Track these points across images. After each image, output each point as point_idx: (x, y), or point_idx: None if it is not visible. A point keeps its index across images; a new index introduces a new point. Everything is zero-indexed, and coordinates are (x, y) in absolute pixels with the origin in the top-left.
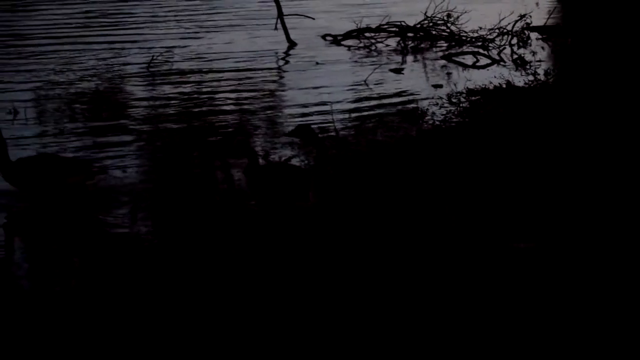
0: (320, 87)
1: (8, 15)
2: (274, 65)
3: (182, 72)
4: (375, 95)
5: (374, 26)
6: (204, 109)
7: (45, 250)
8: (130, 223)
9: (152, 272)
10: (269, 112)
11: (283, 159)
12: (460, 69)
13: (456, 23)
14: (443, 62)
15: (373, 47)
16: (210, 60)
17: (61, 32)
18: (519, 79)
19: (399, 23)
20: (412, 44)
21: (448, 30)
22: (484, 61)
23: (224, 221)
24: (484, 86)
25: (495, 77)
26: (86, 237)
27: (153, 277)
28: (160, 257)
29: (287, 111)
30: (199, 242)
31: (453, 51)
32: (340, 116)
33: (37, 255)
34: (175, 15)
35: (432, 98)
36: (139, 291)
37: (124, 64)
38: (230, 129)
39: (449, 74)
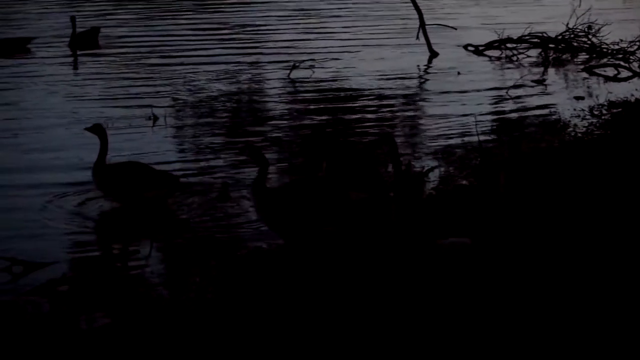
0: (462, 97)
1: (143, 26)
2: (416, 74)
3: (322, 81)
4: (517, 106)
5: (515, 37)
6: (345, 116)
7: (182, 259)
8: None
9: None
10: (411, 121)
11: (425, 169)
12: (602, 81)
13: (597, 35)
14: (584, 74)
15: (514, 58)
16: (352, 69)
17: (198, 43)
18: None
19: (540, 34)
20: (554, 56)
21: (589, 42)
22: (625, 74)
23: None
24: (625, 99)
25: (637, 89)
26: (223, 246)
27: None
28: (296, 271)
29: (429, 121)
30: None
31: (594, 63)
32: (483, 126)
33: (176, 263)
34: (317, 33)
35: (574, 110)
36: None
37: (263, 74)
38: (371, 138)
39: (590, 86)
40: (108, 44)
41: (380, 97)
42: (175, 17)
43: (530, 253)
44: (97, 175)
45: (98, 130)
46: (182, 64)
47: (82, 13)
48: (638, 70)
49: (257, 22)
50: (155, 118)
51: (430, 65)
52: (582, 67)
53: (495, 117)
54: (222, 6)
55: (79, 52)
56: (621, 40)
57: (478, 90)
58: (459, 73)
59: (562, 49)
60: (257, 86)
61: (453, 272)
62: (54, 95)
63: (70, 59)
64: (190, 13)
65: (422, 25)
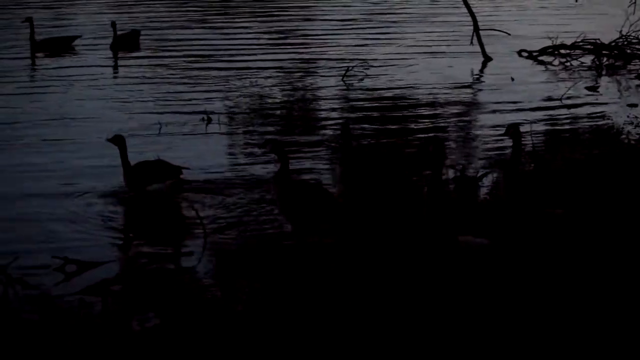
0: (516, 102)
1: (200, 34)
2: (470, 79)
3: (375, 86)
4: (570, 113)
5: (568, 43)
6: (397, 120)
7: (234, 259)
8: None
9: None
10: (464, 126)
11: (479, 174)
12: None
13: None
14: (637, 81)
15: (568, 64)
16: (405, 73)
17: (250, 49)
18: None
19: (593, 41)
20: (607, 62)
21: None
22: None
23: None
24: None
25: None
26: (274, 246)
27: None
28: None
29: (482, 126)
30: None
31: None
32: (536, 132)
33: (227, 263)
34: (371, 38)
35: (627, 117)
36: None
37: (316, 79)
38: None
39: None
40: (149, 47)
41: (434, 102)
42: (220, 22)
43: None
44: (125, 176)
45: (118, 140)
46: (229, 68)
47: (127, 15)
48: None
49: (310, 29)
50: (209, 120)
51: (484, 70)
52: (635, 74)
53: (548, 123)
54: (273, 12)
55: (123, 54)
56: None
57: (532, 96)
58: (512, 79)
59: (616, 56)
60: (310, 90)
61: (471, 267)
62: (102, 98)
63: (116, 61)
64: (234, 18)
65: (477, 30)
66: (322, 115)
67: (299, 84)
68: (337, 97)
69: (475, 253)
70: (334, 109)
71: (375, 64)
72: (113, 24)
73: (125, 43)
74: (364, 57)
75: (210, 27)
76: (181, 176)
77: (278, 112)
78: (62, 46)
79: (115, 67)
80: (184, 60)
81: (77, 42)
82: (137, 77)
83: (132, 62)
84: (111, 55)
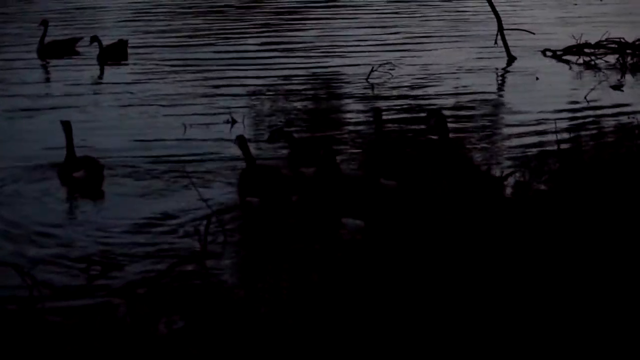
0: (541, 102)
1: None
2: (494, 79)
3: (400, 86)
4: (595, 112)
5: (593, 42)
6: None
7: (257, 258)
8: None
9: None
10: (489, 126)
11: (505, 173)
12: None
13: None
14: None
15: (592, 63)
16: (430, 73)
17: (268, 58)
18: None
19: (618, 40)
20: (631, 61)
21: None
22: None
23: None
24: None
25: None
26: (297, 246)
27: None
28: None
29: (507, 126)
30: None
31: None
32: (561, 132)
33: (250, 263)
34: (395, 38)
35: None
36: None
37: (340, 83)
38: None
39: None
40: (137, 57)
41: (458, 101)
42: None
43: None
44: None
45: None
46: (258, 79)
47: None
48: None
49: (329, 43)
50: (233, 121)
51: (509, 69)
52: None
53: (572, 122)
54: (286, 25)
55: (111, 65)
56: None
57: (556, 95)
58: (537, 78)
59: None
60: (334, 92)
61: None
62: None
63: (102, 71)
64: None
65: (501, 30)
66: (345, 116)
67: (324, 87)
68: (360, 99)
69: (353, 233)
70: (358, 105)
71: (399, 63)
72: (95, 38)
73: (112, 53)
74: (388, 59)
75: (219, 38)
76: (95, 166)
77: (303, 111)
78: (66, 49)
79: (100, 77)
80: (200, 74)
81: (80, 44)
82: (149, 84)
83: (132, 74)
84: (98, 67)
